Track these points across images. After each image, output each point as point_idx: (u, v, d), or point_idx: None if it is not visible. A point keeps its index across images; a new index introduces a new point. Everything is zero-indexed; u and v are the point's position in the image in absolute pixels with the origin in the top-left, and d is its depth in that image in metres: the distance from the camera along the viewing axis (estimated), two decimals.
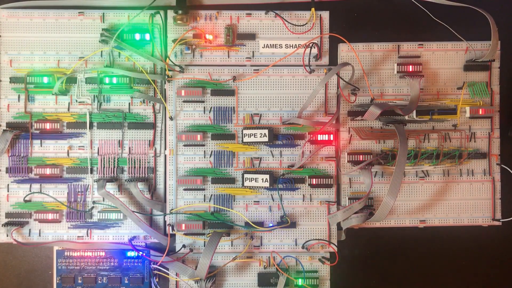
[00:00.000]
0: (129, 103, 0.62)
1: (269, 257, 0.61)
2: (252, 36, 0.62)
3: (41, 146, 0.61)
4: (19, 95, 0.61)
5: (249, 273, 0.62)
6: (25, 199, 0.61)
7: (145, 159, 0.62)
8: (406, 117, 0.61)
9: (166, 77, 0.61)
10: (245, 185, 0.61)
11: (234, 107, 0.61)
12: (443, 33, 0.61)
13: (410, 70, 0.61)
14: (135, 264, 0.61)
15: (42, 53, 0.61)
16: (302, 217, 0.62)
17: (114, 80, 0.60)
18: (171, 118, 0.61)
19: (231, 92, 0.61)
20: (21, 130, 0.61)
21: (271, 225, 0.61)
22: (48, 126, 0.61)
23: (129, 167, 0.61)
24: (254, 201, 0.61)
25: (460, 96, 0.62)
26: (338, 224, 0.61)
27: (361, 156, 0.61)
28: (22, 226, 0.61)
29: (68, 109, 0.61)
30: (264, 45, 0.62)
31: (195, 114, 0.61)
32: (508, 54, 0.63)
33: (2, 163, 0.61)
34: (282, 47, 0.62)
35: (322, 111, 0.62)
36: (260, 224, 0.61)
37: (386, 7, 0.64)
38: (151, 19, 0.60)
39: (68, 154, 0.61)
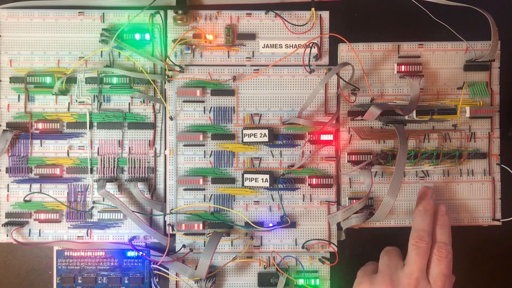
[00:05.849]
0: (129, 103, 0.62)
1: (269, 257, 0.61)
2: (252, 36, 0.62)
3: (41, 146, 0.61)
4: (19, 95, 0.61)
5: (249, 273, 0.62)
6: (25, 199, 0.61)
7: (145, 159, 0.62)
8: (406, 117, 0.61)
9: (166, 77, 0.61)
10: (245, 185, 0.61)
11: (234, 107, 0.61)
12: (443, 33, 0.61)
13: (411, 70, 0.61)
14: (135, 264, 0.61)
15: (42, 53, 0.61)
16: (302, 217, 0.62)
17: (114, 80, 0.60)
18: (171, 118, 0.61)
19: (231, 92, 0.61)
20: (21, 130, 0.61)
21: (271, 225, 0.61)
22: (48, 126, 0.61)
23: (129, 167, 0.61)
24: (254, 201, 0.61)
25: (460, 96, 0.62)
26: (338, 224, 0.61)
27: (361, 156, 0.61)
28: (22, 226, 0.61)
29: (68, 109, 0.61)
30: (264, 45, 0.62)
31: (195, 114, 0.61)
32: (508, 54, 0.63)
33: (2, 163, 0.61)
34: (282, 47, 0.62)
35: (322, 111, 0.62)
36: (260, 224, 0.61)
37: (386, 7, 0.64)
38: (151, 19, 0.60)
39: (68, 154, 0.61)
